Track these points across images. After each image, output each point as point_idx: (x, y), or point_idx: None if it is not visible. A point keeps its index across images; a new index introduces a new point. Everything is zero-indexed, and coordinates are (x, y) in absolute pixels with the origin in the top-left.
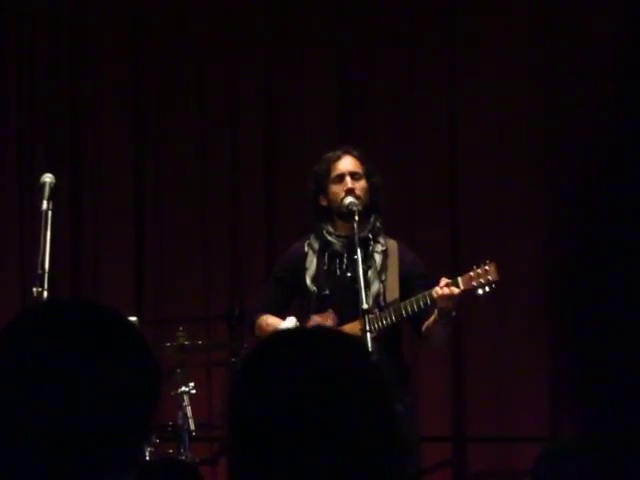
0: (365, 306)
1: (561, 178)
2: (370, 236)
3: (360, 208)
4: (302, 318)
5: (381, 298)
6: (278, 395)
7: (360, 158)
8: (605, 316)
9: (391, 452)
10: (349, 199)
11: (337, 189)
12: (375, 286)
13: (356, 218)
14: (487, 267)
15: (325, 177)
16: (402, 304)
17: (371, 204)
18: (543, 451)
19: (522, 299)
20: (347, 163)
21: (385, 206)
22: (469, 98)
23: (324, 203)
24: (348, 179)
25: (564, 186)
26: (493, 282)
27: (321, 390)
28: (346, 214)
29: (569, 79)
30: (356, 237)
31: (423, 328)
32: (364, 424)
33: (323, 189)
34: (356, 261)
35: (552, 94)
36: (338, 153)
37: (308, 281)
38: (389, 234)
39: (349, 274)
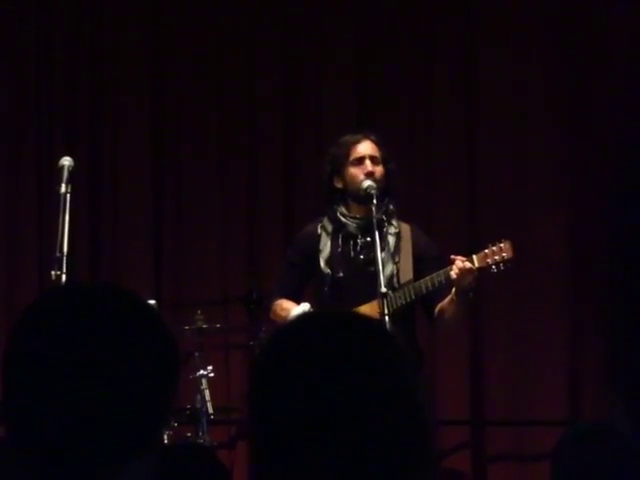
0: (384, 290)
1: (587, 156)
2: (384, 218)
3: (377, 192)
4: (317, 301)
5: (395, 280)
6: (300, 381)
7: (378, 143)
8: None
9: (416, 437)
10: (368, 182)
11: (356, 172)
12: (389, 268)
13: (374, 201)
14: (502, 245)
15: (343, 159)
16: (418, 282)
17: (386, 189)
18: (565, 433)
19: (543, 281)
20: (367, 147)
21: (399, 191)
22: (488, 72)
23: (339, 185)
24: (368, 162)
25: (590, 165)
26: (508, 260)
27: (344, 374)
28: (363, 197)
29: (591, 50)
30: (374, 220)
31: (436, 309)
32: (388, 408)
33: (339, 171)
34: (373, 244)
35: (575, 69)
36: (358, 137)
37: (322, 263)
38: (404, 217)
39: (362, 256)
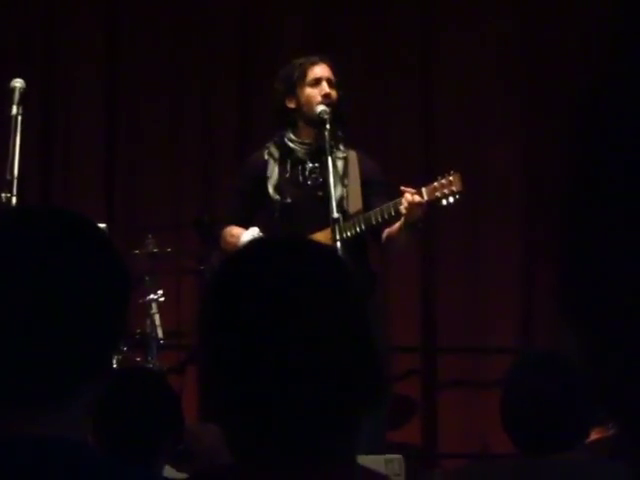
0: (336, 215)
1: (542, 83)
2: (332, 143)
3: (330, 117)
4: (266, 228)
5: (345, 203)
6: (250, 307)
7: (334, 67)
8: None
9: (365, 360)
10: (321, 107)
11: (313, 92)
12: (338, 191)
13: (327, 126)
14: (451, 177)
15: (299, 80)
16: (367, 214)
17: (337, 114)
18: (515, 360)
19: (497, 209)
20: (324, 69)
21: (348, 118)
22: (443, 6)
23: (292, 106)
24: (325, 84)
25: (544, 92)
26: (457, 192)
27: (294, 299)
28: (316, 121)
29: None
30: (327, 145)
31: (383, 235)
32: (337, 331)
33: (293, 91)
34: (322, 169)
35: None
36: (314, 58)
37: (271, 190)
38: (353, 144)
39: (310, 182)
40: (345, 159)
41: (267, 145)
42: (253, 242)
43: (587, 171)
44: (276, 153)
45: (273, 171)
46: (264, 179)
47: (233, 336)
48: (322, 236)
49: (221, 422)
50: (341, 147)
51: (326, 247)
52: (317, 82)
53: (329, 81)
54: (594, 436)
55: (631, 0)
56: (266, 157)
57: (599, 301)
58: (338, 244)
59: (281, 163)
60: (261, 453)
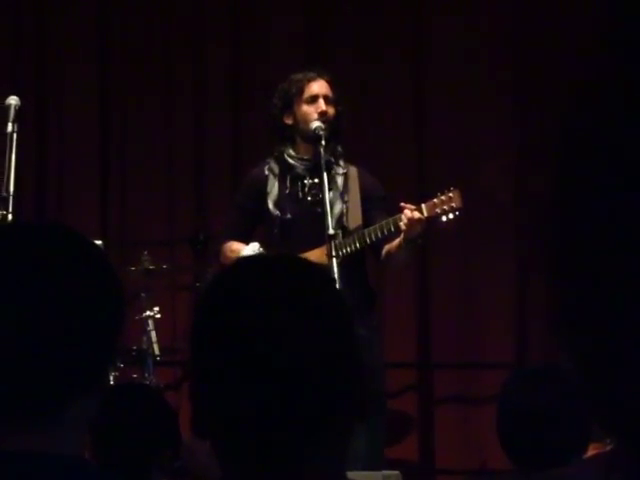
0: (331, 232)
1: (534, 100)
2: (332, 160)
3: (326, 133)
4: (266, 243)
5: (344, 219)
6: (237, 322)
7: (332, 83)
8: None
9: (351, 376)
10: (316, 123)
11: (309, 110)
12: (338, 207)
13: (322, 142)
14: (451, 194)
15: (296, 96)
16: (367, 230)
17: (335, 130)
18: (511, 375)
19: (490, 224)
20: (321, 86)
21: (346, 133)
22: (437, 14)
23: (289, 122)
24: (322, 101)
25: (536, 108)
26: (457, 209)
27: (281, 315)
28: (312, 137)
29: None
30: (322, 161)
31: (383, 252)
32: (324, 350)
33: (291, 107)
34: (321, 185)
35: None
36: (312, 74)
37: (270, 205)
38: (353, 160)
39: (310, 198)
40: (345, 175)
41: (267, 160)
42: (242, 259)
43: (574, 184)
44: (276, 169)
45: (273, 187)
46: (264, 194)
47: (219, 351)
48: (318, 252)
49: (208, 436)
50: (341, 163)
51: (314, 264)
52: (314, 99)
53: (326, 98)
54: (592, 452)
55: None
56: (266, 172)
57: (599, 317)
58: (334, 261)
59: (281, 179)
60: (246, 468)
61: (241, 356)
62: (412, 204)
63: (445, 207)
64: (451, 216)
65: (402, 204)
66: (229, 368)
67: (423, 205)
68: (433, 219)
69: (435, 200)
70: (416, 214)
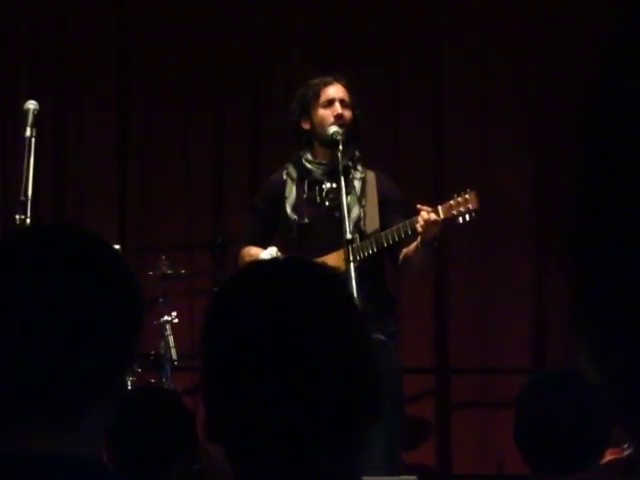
0: (349, 236)
1: (553, 103)
2: (350, 164)
3: (343, 137)
4: (284, 248)
5: (362, 223)
6: (250, 324)
7: (348, 87)
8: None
9: (362, 379)
10: (334, 128)
11: (325, 113)
12: (355, 211)
13: (340, 147)
14: (467, 196)
15: (313, 100)
16: (384, 233)
17: (353, 134)
18: (529, 380)
19: (508, 228)
20: (338, 90)
21: (364, 138)
22: (454, 17)
23: (307, 127)
24: (338, 105)
25: (555, 111)
26: (473, 211)
27: (293, 317)
28: (329, 142)
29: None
30: (340, 166)
31: (400, 256)
32: (336, 352)
33: (308, 112)
34: (338, 189)
35: (545, 15)
36: (328, 79)
37: (288, 210)
38: (371, 164)
39: (328, 202)
40: (363, 179)
41: (286, 165)
42: (256, 262)
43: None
44: (294, 173)
45: (291, 191)
46: (282, 199)
47: (232, 354)
48: (336, 257)
49: (221, 441)
50: (359, 167)
51: (325, 266)
52: (330, 103)
53: (342, 102)
54: (609, 457)
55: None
56: (284, 177)
57: (625, 319)
58: (351, 265)
59: (299, 183)
60: (261, 471)
61: (254, 358)
62: (429, 206)
63: (461, 209)
64: (467, 218)
65: (418, 206)
66: (242, 371)
67: (439, 207)
68: (449, 221)
69: (451, 202)
70: (432, 216)
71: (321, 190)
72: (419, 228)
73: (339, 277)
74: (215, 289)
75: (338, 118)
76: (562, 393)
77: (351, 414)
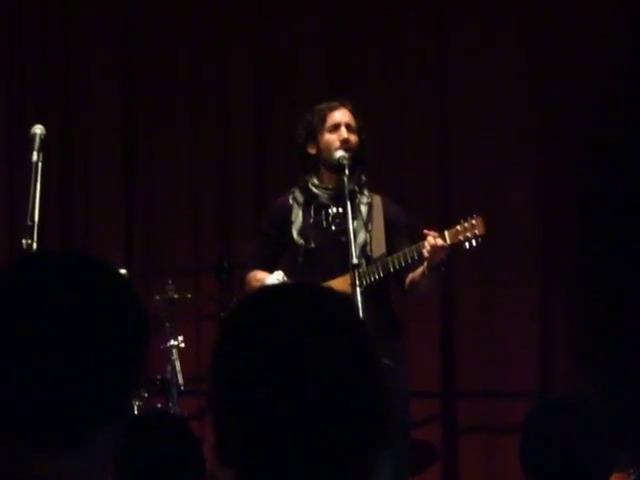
0: (355, 261)
1: (556, 124)
2: (356, 189)
3: (349, 162)
4: (290, 272)
5: (368, 248)
6: (260, 349)
7: (354, 112)
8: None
9: (372, 405)
10: (340, 152)
11: (331, 138)
12: (361, 236)
13: (346, 172)
14: (474, 221)
15: (319, 125)
16: (390, 258)
17: (359, 159)
18: (535, 404)
19: (513, 251)
20: (344, 114)
21: (371, 162)
22: (458, 42)
23: (312, 152)
24: (344, 129)
25: (559, 133)
26: (480, 236)
27: (303, 343)
28: (335, 167)
29: (563, 22)
30: (346, 191)
31: (407, 280)
32: (346, 378)
33: (314, 137)
34: (345, 214)
35: (547, 36)
36: (334, 104)
37: (295, 234)
38: (376, 188)
39: (334, 227)
40: (369, 204)
41: (292, 190)
42: (264, 288)
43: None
44: (300, 198)
45: (297, 216)
46: (289, 223)
47: (241, 379)
48: (342, 281)
49: (231, 464)
50: (365, 192)
51: (336, 292)
52: (336, 127)
53: (348, 126)
54: None
55: None
56: (291, 202)
57: (632, 344)
58: (358, 290)
59: (305, 208)
60: None
61: (263, 384)
62: (435, 231)
63: (468, 234)
64: (474, 243)
65: (425, 231)
66: (251, 396)
67: (446, 232)
68: (456, 246)
69: (458, 227)
70: (439, 241)
71: (327, 215)
72: (425, 253)
73: (349, 302)
74: (222, 314)
75: (344, 143)
76: (569, 417)
77: (360, 440)
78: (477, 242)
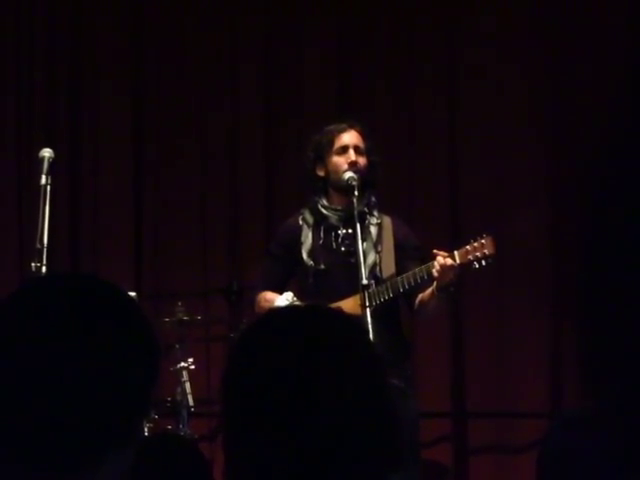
0: (365, 282)
1: (567, 152)
2: (366, 210)
3: (358, 183)
4: (300, 293)
5: (377, 269)
6: (271, 371)
7: (363, 134)
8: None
9: (381, 427)
10: (349, 174)
11: (340, 160)
12: (371, 257)
13: (355, 193)
14: (484, 241)
15: (327, 147)
16: (399, 278)
17: (369, 180)
18: (555, 420)
19: (523, 273)
20: (352, 136)
21: (381, 183)
22: (470, 71)
23: (321, 173)
24: (352, 152)
25: (569, 158)
26: (490, 256)
27: (313, 365)
28: (344, 188)
29: (574, 46)
30: (355, 212)
31: (416, 301)
32: (356, 400)
33: (322, 159)
34: (354, 236)
35: (559, 60)
36: (343, 126)
37: (304, 255)
38: (386, 210)
39: (344, 248)
40: (379, 225)
41: (302, 211)
42: (274, 310)
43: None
44: (310, 219)
45: (307, 237)
46: (298, 244)
47: (251, 401)
48: (352, 302)
49: None
50: (375, 213)
51: (346, 314)
52: (344, 150)
53: (357, 148)
54: None
55: None
56: (300, 223)
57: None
58: (367, 311)
59: (315, 229)
60: None
61: (274, 407)
62: (445, 251)
63: (478, 254)
64: (484, 263)
65: (435, 251)
66: (261, 419)
67: (456, 252)
68: (466, 266)
69: (468, 247)
70: (449, 261)
71: (337, 236)
72: (435, 273)
73: (358, 324)
74: (232, 335)
75: (352, 165)
76: (588, 434)
77: (369, 461)
78: (487, 262)
